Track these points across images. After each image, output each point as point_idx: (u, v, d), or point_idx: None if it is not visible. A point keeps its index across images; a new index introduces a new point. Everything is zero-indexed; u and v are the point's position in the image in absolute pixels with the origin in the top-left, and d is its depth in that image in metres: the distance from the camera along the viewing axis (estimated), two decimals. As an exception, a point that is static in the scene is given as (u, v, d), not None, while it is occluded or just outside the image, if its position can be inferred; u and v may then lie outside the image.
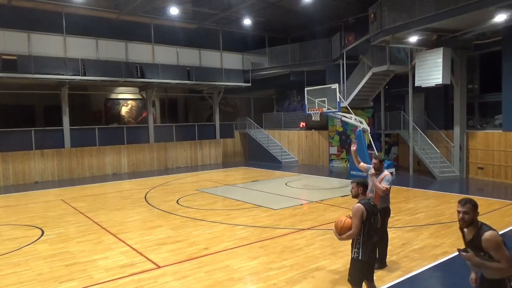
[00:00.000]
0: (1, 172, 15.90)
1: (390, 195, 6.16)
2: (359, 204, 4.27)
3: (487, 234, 3.07)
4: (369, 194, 6.08)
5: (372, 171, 6.09)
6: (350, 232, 4.22)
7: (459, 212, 3.29)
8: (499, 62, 13.64)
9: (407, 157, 15.72)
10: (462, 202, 3.31)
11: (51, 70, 15.83)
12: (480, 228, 3.19)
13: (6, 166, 16.00)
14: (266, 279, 5.68)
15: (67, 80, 16.43)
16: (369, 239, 4.25)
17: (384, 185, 5.82)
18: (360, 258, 4.23)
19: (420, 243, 7.16)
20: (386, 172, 5.98)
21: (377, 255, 5.97)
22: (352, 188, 4.49)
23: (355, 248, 4.29)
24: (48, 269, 6.33)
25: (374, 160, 6.06)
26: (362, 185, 4.43)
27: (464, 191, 12.83)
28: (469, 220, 3.23)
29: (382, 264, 5.98)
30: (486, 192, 12.27)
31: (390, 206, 6.26)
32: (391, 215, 6.45)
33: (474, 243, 3.18)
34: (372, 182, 5.92)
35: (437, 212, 9.49)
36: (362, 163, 6.45)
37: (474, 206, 3.26)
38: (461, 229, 3.42)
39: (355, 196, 4.47)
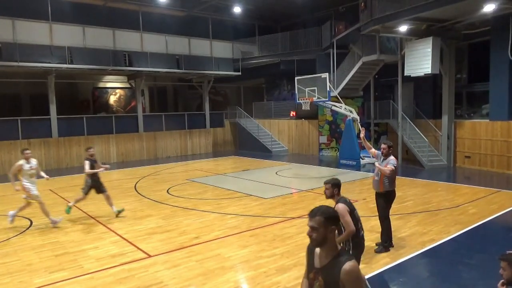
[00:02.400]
0: (-13, 162, 15.65)
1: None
2: (340, 204, 4.27)
3: (349, 265, 2.29)
4: (375, 177, 6.31)
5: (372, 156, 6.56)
6: (347, 232, 4.19)
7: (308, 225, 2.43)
8: (487, 52, 13.76)
9: (396, 146, 15.86)
10: (311, 214, 2.43)
11: (37, 58, 15.48)
12: (339, 255, 2.38)
13: (-8, 156, 15.76)
14: (256, 267, 5.73)
15: (54, 69, 16.11)
16: (356, 233, 4.30)
17: (389, 166, 6.11)
18: (350, 252, 4.28)
19: (408, 230, 7.28)
20: (392, 157, 6.30)
21: (386, 237, 6.31)
22: (327, 189, 4.41)
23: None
24: (38, 259, 6.29)
25: (383, 145, 6.35)
26: (337, 186, 4.42)
27: (451, 180, 13.04)
28: (319, 238, 2.37)
29: (391, 244, 6.42)
30: (473, 180, 12.48)
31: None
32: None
33: (328, 272, 2.37)
34: (377, 167, 6.22)
35: (425, 200, 9.63)
36: (373, 149, 6.70)
37: (328, 219, 2.37)
38: (309, 249, 2.57)
39: (330, 196, 4.42)
